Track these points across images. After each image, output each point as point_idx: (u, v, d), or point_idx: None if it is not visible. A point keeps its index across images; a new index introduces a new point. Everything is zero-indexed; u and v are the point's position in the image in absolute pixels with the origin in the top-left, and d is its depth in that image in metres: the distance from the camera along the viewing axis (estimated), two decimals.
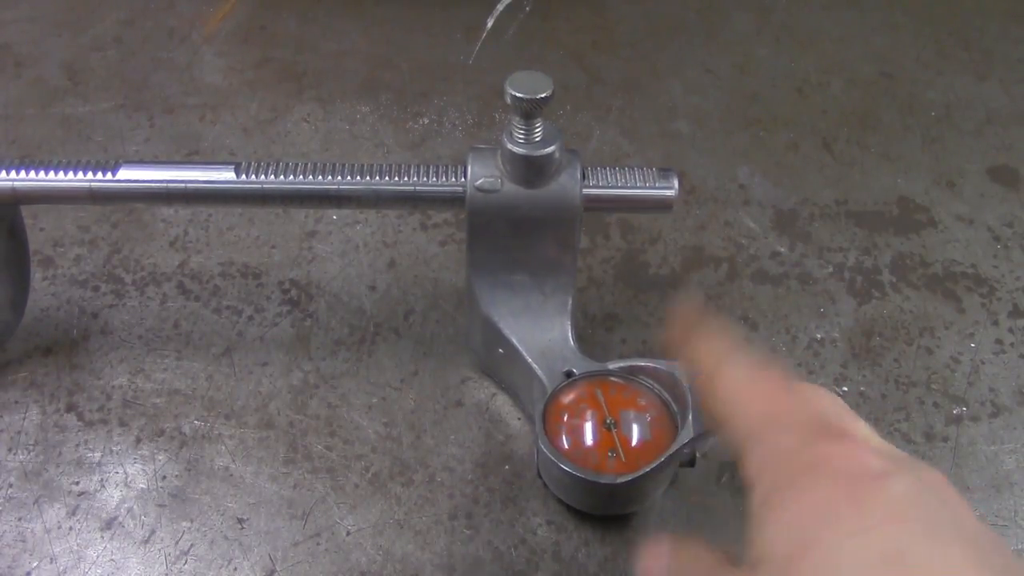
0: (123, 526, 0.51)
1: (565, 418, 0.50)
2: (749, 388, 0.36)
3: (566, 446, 0.49)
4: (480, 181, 0.51)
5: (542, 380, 0.52)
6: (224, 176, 0.52)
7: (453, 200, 0.52)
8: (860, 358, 0.61)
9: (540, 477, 0.52)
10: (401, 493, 0.53)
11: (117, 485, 0.53)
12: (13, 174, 0.53)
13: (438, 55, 0.81)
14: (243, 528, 0.52)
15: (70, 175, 0.52)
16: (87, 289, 0.64)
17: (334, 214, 0.69)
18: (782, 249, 0.67)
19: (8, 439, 0.55)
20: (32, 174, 0.53)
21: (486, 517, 0.52)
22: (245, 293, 0.63)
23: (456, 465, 0.55)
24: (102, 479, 0.54)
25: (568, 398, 0.51)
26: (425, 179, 0.52)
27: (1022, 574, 0.30)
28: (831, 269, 0.66)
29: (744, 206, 0.70)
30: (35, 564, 0.49)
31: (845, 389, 0.59)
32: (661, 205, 0.53)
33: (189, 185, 0.52)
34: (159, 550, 0.50)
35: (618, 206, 0.54)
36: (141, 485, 0.53)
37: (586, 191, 0.52)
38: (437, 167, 0.53)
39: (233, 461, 0.54)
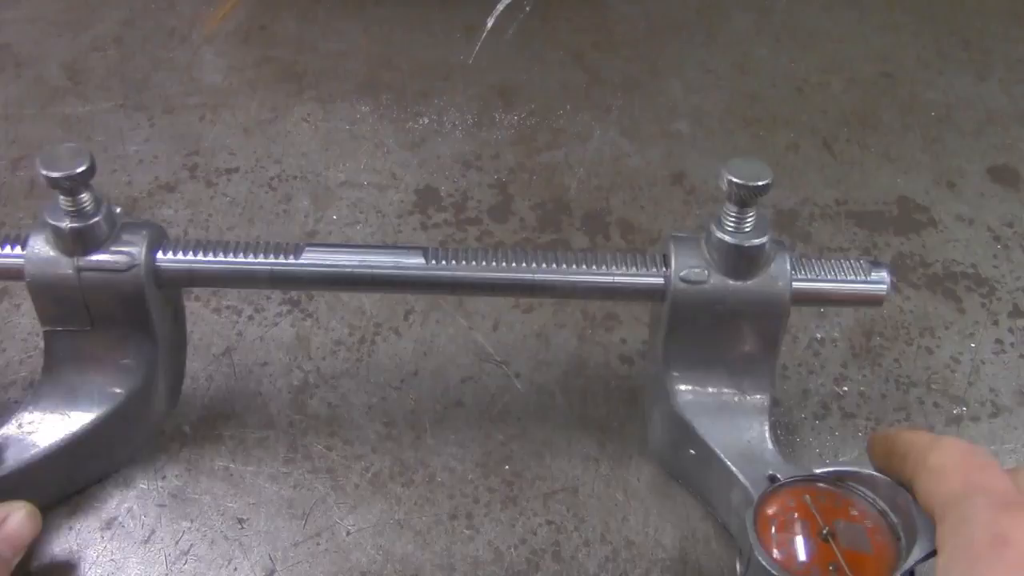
0: (123, 526, 0.51)
1: (774, 530, 0.43)
2: (958, 461, 0.38)
3: (778, 559, 0.42)
4: (685, 272, 0.48)
5: (744, 485, 0.46)
6: (413, 262, 0.49)
7: (653, 292, 0.49)
8: (860, 358, 0.61)
9: None
10: (401, 493, 0.53)
11: (117, 485, 0.53)
12: (191, 255, 0.50)
13: (438, 55, 0.81)
14: (243, 528, 0.52)
15: (250, 257, 0.50)
16: None
17: (334, 214, 0.69)
18: None
19: None
20: (211, 255, 0.50)
21: (486, 517, 0.52)
22: (245, 293, 0.63)
23: (456, 465, 0.55)
24: (102, 479, 0.54)
25: (775, 507, 0.45)
26: (624, 269, 0.49)
27: None
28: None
29: None
30: (35, 564, 0.49)
31: (845, 389, 0.59)
32: (871, 301, 0.50)
33: (376, 271, 0.49)
34: (159, 550, 0.50)
35: (826, 300, 0.51)
36: (141, 485, 0.53)
37: (796, 284, 0.48)
38: (635, 256, 0.50)
39: (233, 461, 0.54)
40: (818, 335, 0.61)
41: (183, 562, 0.50)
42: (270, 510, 0.52)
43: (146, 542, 0.51)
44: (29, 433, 0.49)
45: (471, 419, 0.57)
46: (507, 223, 0.69)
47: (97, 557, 0.50)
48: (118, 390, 0.51)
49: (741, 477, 0.47)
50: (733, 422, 0.50)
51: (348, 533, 0.52)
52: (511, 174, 0.72)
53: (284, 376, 0.59)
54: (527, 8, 0.85)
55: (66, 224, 0.47)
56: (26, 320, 0.62)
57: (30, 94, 0.76)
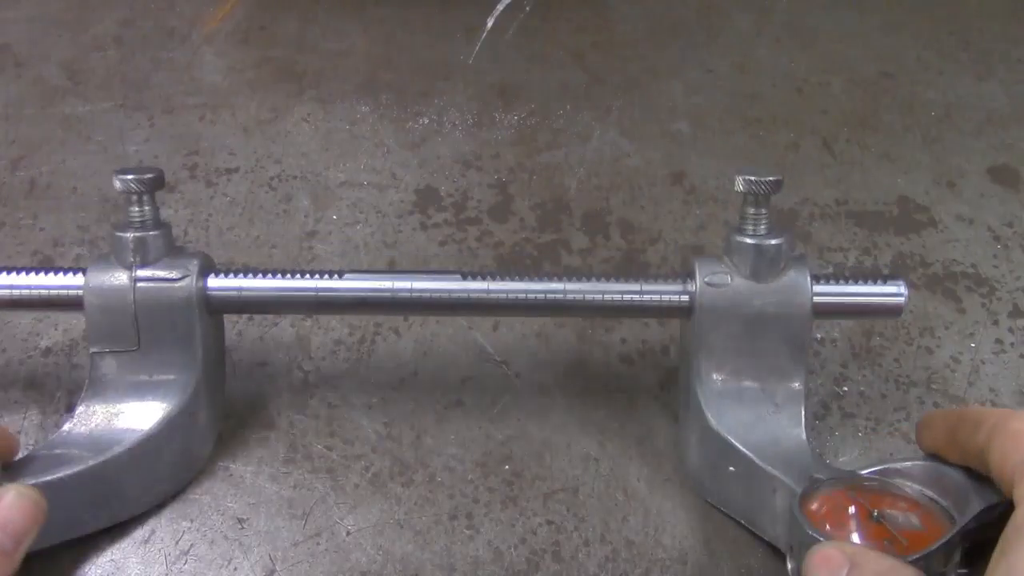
0: (123, 526, 0.51)
1: (827, 527, 0.43)
2: None
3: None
4: (709, 277, 0.51)
5: (789, 486, 0.46)
6: (451, 285, 0.51)
7: (681, 307, 0.51)
8: (860, 358, 0.61)
9: None
10: (401, 493, 0.53)
11: None
12: (239, 279, 0.52)
13: (438, 55, 0.81)
14: (243, 528, 0.52)
15: (295, 283, 0.52)
16: None
17: (334, 214, 0.69)
18: None
19: None
20: (258, 281, 0.52)
21: (486, 517, 0.52)
22: None
23: (456, 465, 0.55)
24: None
25: (820, 502, 0.45)
26: (651, 286, 0.52)
27: None
28: (831, 269, 0.66)
29: None
30: (35, 564, 0.49)
31: (845, 389, 0.59)
32: (890, 310, 0.52)
33: (416, 295, 0.51)
34: (159, 550, 0.50)
35: (846, 310, 0.52)
36: None
37: (816, 288, 0.51)
38: (658, 275, 0.53)
39: (233, 461, 0.54)
40: (818, 335, 0.61)
41: (183, 562, 0.50)
42: (270, 510, 0.52)
43: (146, 542, 0.51)
44: (61, 454, 0.48)
45: (471, 419, 0.57)
46: (507, 223, 0.69)
47: (97, 557, 0.50)
48: (159, 415, 0.50)
49: (785, 479, 0.47)
50: (771, 434, 0.50)
51: (348, 533, 0.52)
52: (511, 174, 0.72)
53: (284, 376, 0.59)
54: (527, 8, 0.85)
55: (129, 234, 0.50)
56: (26, 320, 0.62)
57: (30, 94, 0.76)
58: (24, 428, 0.56)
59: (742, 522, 0.51)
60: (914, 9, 0.86)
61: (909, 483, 0.46)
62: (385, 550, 0.51)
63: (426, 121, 0.76)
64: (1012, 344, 0.62)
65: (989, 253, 0.67)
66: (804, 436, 0.50)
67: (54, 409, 0.57)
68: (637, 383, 0.59)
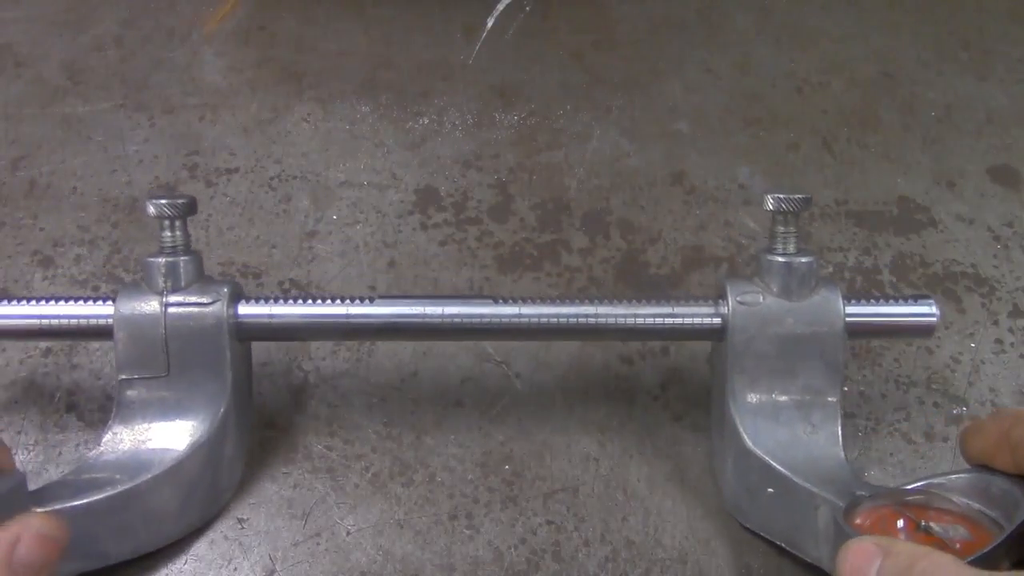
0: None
1: (870, 531, 0.43)
2: None
3: None
4: (741, 296, 0.51)
5: (831, 501, 0.46)
6: (482, 311, 0.52)
7: (712, 329, 0.52)
8: (860, 358, 0.61)
9: None
10: (401, 493, 0.53)
11: None
12: (269, 306, 0.52)
13: (438, 55, 0.80)
14: (243, 528, 0.52)
15: (326, 310, 0.52)
16: (87, 289, 0.64)
17: (334, 213, 0.69)
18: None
19: (8, 439, 0.55)
20: (288, 308, 0.52)
21: (486, 517, 0.52)
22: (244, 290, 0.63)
23: (456, 465, 0.55)
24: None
25: (866, 516, 0.45)
26: (683, 308, 0.52)
27: None
28: (831, 269, 0.66)
29: (744, 206, 0.70)
30: None
31: (845, 389, 0.59)
32: (921, 330, 0.53)
33: (447, 320, 0.51)
34: (159, 550, 0.50)
35: (878, 330, 0.53)
36: None
37: (848, 308, 0.51)
38: (691, 298, 0.53)
39: None
40: None
41: (183, 562, 0.50)
42: (270, 510, 0.52)
43: None
44: (89, 479, 0.48)
45: (471, 419, 0.57)
46: (507, 223, 0.69)
47: None
48: (187, 442, 0.50)
49: (827, 495, 0.46)
50: (808, 454, 0.50)
51: (348, 533, 0.52)
52: (511, 174, 0.72)
53: (284, 376, 0.59)
54: (527, 8, 0.85)
55: (161, 259, 0.50)
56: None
57: (30, 94, 0.76)
58: (23, 428, 0.56)
59: (783, 546, 0.50)
60: (914, 9, 0.86)
61: (954, 496, 0.45)
62: (385, 550, 0.51)
63: (426, 121, 0.76)
64: (1012, 344, 0.62)
65: (989, 253, 0.67)
66: (842, 455, 0.50)
67: (54, 409, 0.57)
68: (637, 383, 0.59)
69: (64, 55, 0.78)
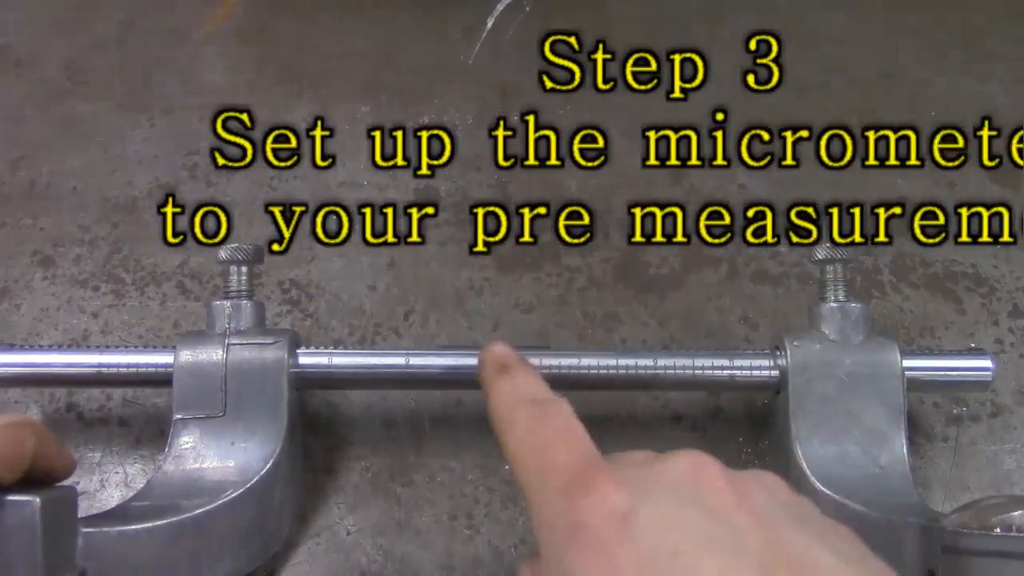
0: None
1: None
2: (528, 438, 0.37)
3: None
4: (798, 342, 0.53)
5: (916, 527, 0.46)
6: (540, 360, 0.51)
7: (771, 382, 0.53)
8: None
9: None
10: (401, 493, 0.53)
11: (117, 485, 0.53)
12: (330, 355, 0.52)
13: (438, 55, 0.80)
14: None
15: (386, 357, 0.52)
16: (87, 289, 0.64)
17: (334, 213, 0.69)
18: (782, 249, 0.67)
19: None
20: (345, 359, 0.52)
21: (486, 517, 0.52)
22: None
23: (456, 465, 0.55)
24: (102, 479, 0.54)
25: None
26: (740, 362, 0.53)
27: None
28: None
29: (744, 206, 0.70)
30: None
31: None
32: (977, 386, 0.54)
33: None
34: None
35: (935, 383, 0.54)
36: (141, 485, 0.53)
37: (906, 362, 0.52)
38: (746, 351, 0.54)
39: None
40: None
41: None
42: None
43: None
44: (139, 507, 0.47)
45: (471, 419, 0.57)
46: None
47: None
48: (237, 483, 0.48)
49: (909, 519, 0.46)
50: (880, 491, 0.49)
51: (348, 533, 0.52)
52: (511, 174, 0.72)
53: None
54: (527, 8, 0.85)
55: (226, 302, 0.52)
56: (26, 320, 0.62)
57: (30, 94, 0.76)
58: None
59: None
60: (914, 9, 0.86)
61: None
62: (385, 550, 0.51)
63: (426, 121, 0.76)
64: (1012, 344, 0.62)
65: (989, 253, 0.67)
66: (917, 496, 0.49)
67: (54, 408, 0.57)
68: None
69: (64, 55, 0.78)
